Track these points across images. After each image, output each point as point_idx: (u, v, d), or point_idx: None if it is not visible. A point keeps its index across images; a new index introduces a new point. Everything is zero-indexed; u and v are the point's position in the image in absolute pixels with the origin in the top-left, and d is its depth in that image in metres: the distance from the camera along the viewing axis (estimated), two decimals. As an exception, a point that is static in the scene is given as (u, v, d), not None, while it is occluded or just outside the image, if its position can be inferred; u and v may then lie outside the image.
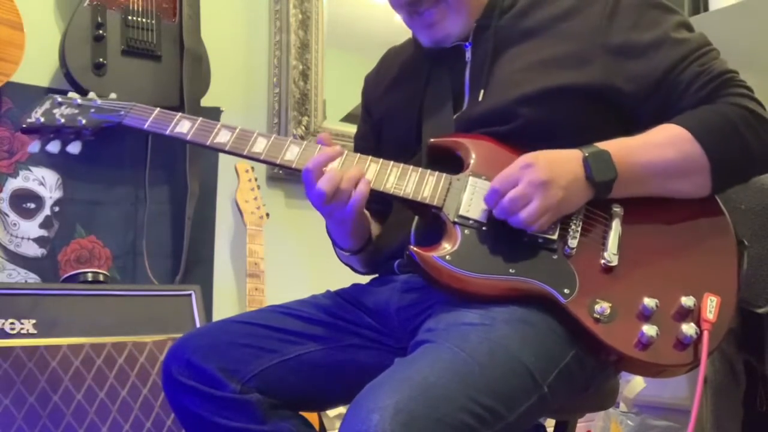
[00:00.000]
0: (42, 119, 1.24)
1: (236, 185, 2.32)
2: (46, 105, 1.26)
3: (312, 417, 1.40)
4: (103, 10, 2.04)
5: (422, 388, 0.89)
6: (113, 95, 1.31)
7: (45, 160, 2.09)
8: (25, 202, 2.06)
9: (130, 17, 2.09)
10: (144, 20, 2.11)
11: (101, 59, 2.01)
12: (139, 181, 2.22)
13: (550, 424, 1.38)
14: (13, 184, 2.05)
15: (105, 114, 1.25)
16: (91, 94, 1.30)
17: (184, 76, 2.15)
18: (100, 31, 2.03)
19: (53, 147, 1.26)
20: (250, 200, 2.30)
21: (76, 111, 1.26)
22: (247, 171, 2.33)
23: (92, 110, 1.26)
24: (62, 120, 1.24)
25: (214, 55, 2.28)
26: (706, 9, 2.92)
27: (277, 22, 2.57)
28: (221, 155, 2.40)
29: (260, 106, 2.54)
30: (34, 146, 1.27)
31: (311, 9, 2.61)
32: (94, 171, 2.16)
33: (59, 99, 1.27)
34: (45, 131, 1.25)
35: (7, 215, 2.04)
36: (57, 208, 2.11)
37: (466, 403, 0.90)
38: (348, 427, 0.87)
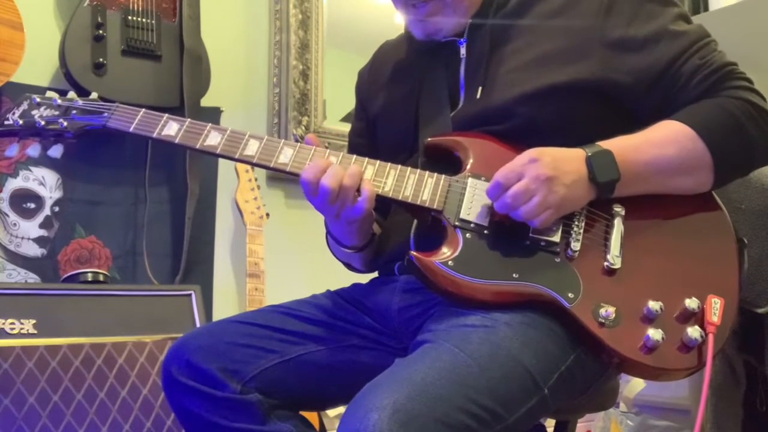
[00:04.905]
0: (20, 121, 1.18)
1: (236, 185, 2.32)
2: (24, 106, 1.20)
3: (312, 417, 1.40)
4: (103, 10, 2.04)
5: (421, 388, 0.88)
6: (94, 95, 1.24)
7: (45, 160, 2.09)
8: (25, 202, 2.06)
9: (130, 17, 2.09)
10: (144, 20, 2.11)
11: (101, 59, 2.01)
12: (139, 181, 2.22)
13: (550, 424, 1.37)
14: (13, 184, 2.05)
15: (88, 116, 1.19)
16: (71, 94, 1.23)
17: (184, 76, 2.15)
18: (100, 31, 2.03)
19: (33, 151, 1.20)
20: (250, 200, 2.29)
21: (57, 112, 1.19)
22: (247, 171, 2.33)
23: (74, 111, 1.19)
24: (42, 122, 1.18)
25: (214, 55, 2.28)
26: (706, 9, 2.92)
27: (277, 22, 2.57)
28: (221, 155, 2.40)
29: (260, 106, 2.54)
30: (12, 149, 1.21)
31: (311, 9, 2.61)
32: (94, 171, 2.16)
33: (37, 99, 1.21)
34: (23, 134, 1.19)
35: (7, 215, 2.04)
36: (57, 208, 2.10)
37: (465, 403, 0.89)
38: (346, 426, 0.86)
